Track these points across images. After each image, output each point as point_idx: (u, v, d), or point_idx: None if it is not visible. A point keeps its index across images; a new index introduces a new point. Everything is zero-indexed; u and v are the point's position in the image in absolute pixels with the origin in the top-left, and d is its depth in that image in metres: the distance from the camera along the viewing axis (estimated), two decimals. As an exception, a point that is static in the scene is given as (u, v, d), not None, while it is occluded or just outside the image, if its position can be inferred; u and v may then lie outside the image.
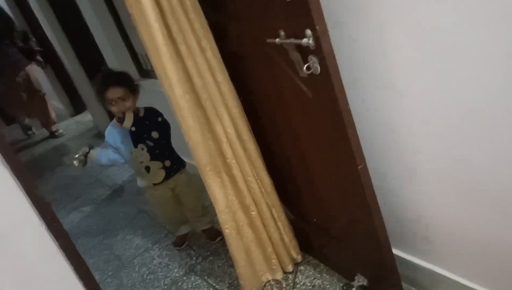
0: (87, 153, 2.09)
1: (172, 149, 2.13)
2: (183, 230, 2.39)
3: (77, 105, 5.20)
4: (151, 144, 2.06)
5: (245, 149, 1.72)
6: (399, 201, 1.53)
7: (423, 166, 1.37)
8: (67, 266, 1.47)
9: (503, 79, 1.04)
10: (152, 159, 2.09)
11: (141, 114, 2.07)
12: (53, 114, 4.82)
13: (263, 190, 1.80)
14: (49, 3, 3.78)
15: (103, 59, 3.37)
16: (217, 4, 1.52)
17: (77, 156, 2.09)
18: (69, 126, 5.02)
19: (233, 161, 1.71)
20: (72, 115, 5.28)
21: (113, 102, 1.98)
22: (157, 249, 2.44)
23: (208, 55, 1.55)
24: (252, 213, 1.81)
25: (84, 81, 4.11)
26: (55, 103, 5.51)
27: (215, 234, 2.33)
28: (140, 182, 2.21)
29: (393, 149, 1.43)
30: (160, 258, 2.36)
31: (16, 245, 1.35)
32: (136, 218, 2.81)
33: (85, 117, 5.05)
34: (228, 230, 1.78)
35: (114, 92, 1.96)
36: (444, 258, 1.51)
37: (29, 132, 5.12)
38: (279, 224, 1.88)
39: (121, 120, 2.06)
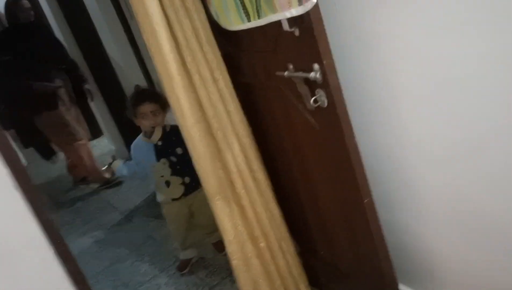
0: (111, 163, 2.27)
1: (193, 167, 2.19)
2: (189, 254, 2.43)
3: (94, 130, 5.29)
4: (174, 159, 2.19)
5: (255, 179, 1.72)
6: (406, 235, 1.51)
7: (430, 200, 1.36)
8: (75, 291, 1.48)
9: (507, 111, 1.04)
10: (172, 174, 2.20)
11: (168, 129, 2.20)
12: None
13: (272, 222, 1.80)
14: (71, 32, 3.91)
15: (121, 86, 3.46)
16: (231, 36, 1.56)
17: (105, 168, 2.36)
18: (85, 151, 5.09)
19: (243, 191, 1.71)
20: (89, 140, 5.36)
21: (144, 116, 2.14)
22: (164, 277, 2.43)
23: (220, 86, 1.59)
24: (261, 244, 1.80)
25: (102, 107, 4.21)
26: (73, 127, 5.62)
27: (223, 247, 2.33)
28: (159, 197, 2.32)
29: (400, 183, 1.43)
30: (166, 286, 2.35)
31: (23, 266, 1.37)
32: (145, 244, 2.81)
33: (101, 142, 5.13)
34: (236, 261, 1.77)
35: (147, 107, 2.13)
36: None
37: (52, 157, 4.87)
38: (288, 256, 1.86)
39: (147, 135, 2.21)
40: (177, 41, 1.49)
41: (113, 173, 2.30)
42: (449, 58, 1.09)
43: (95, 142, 5.26)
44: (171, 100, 1.56)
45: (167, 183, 2.23)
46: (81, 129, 3.88)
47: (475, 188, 1.21)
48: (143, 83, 3.22)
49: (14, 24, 3.44)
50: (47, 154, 4.85)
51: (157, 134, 2.19)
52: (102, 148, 4.97)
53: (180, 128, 1.61)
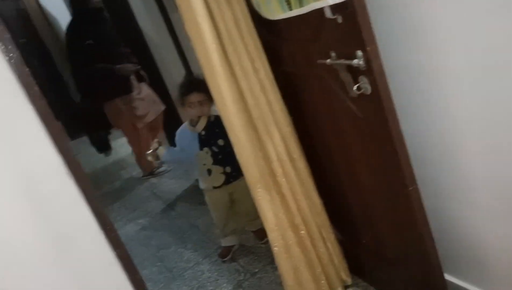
0: (156, 148, 2.31)
1: (235, 157, 2.23)
2: (230, 241, 2.48)
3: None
4: (215, 149, 2.24)
5: (295, 168, 1.74)
6: (453, 224, 1.48)
7: (480, 189, 1.33)
8: (123, 275, 1.54)
9: None
10: (214, 163, 2.26)
11: (212, 120, 2.26)
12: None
13: (312, 210, 1.80)
14: (114, 25, 4.01)
15: (162, 77, 3.53)
16: (271, 26, 1.57)
17: (149, 152, 2.32)
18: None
19: (283, 179, 1.73)
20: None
21: (191, 106, 2.20)
22: (207, 264, 2.49)
23: (261, 75, 1.60)
24: (301, 232, 1.82)
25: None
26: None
27: (263, 235, 2.37)
28: (202, 184, 2.39)
29: (447, 170, 1.40)
30: (209, 273, 2.40)
31: (76, 249, 1.44)
32: (188, 232, 2.89)
33: (143, 133, 5.26)
34: (277, 248, 1.79)
35: (195, 97, 2.18)
36: (498, 286, 1.44)
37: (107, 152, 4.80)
38: (329, 244, 1.87)
39: (193, 124, 2.27)
40: (218, 32, 1.51)
41: (157, 158, 2.33)
42: (499, 41, 1.06)
43: (137, 132, 5.40)
44: (213, 90, 1.59)
45: (209, 172, 2.28)
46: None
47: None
48: (182, 74, 3.28)
49: (83, 10, 3.49)
50: (103, 146, 4.90)
51: (202, 124, 2.25)
52: (144, 138, 5.11)
53: (222, 118, 1.64)
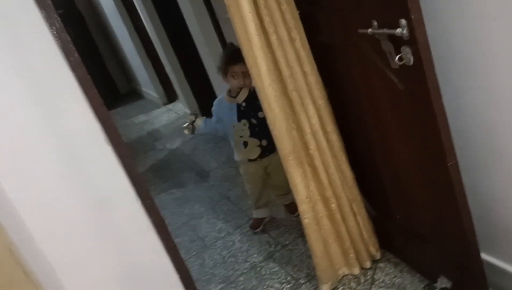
0: (193, 121, 2.30)
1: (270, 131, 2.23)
2: (262, 213, 2.50)
3: (169, 95, 5.50)
4: (254, 121, 2.24)
5: (328, 140, 1.72)
6: (491, 202, 1.44)
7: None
8: (157, 241, 1.58)
9: None
10: (251, 135, 2.26)
11: (253, 92, 2.21)
12: None
13: (344, 183, 1.79)
14: (150, -3, 4.02)
15: (197, 52, 3.53)
16: (309, -5, 1.53)
17: (185, 125, 2.32)
18: (162, 114, 5.33)
19: (316, 152, 1.72)
20: (165, 104, 5.59)
21: (235, 76, 2.18)
22: (238, 234, 2.52)
23: (297, 46, 1.57)
24: (332, 205, 1.81)
25: (178, 73, 4.34)
26: (150, 91, 5.88)
27: (295, 209, 2.37)
28: (237, 156, 2.40)
29: (488, 148, 1.35)
30: (240, 243, 2.44)
31: (114, 214, 1.49)
32: (220, 203, 2.93)
33: (176, 106, 5.32)
34: (307, 220, 1.80)
35: (239, 67, 2.14)
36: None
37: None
38: (359, 218, 1.86)
39: (232, 95, 2.26)
40: (255, 1, 1.48)
41: (192, 131, 2.32)
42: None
43: (170, 106, 5.48)
44: (248, 60, 1.58)
45: (245, 144, 2.28)
46: None
47: None
48: (218, 48, 3.26)
49: None
50: None
51: (243, 95, 2.22)
52: (177, 111, 5.17)
53: (256, 88, 1.63)
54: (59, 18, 1.35)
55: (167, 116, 5.19)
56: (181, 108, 5.08)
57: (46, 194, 1.39)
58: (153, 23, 4.14)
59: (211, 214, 2.84)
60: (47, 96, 1.35)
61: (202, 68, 3.64)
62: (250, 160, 2.32)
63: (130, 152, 4.31)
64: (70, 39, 1.37)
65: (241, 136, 2.27)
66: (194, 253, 2.51)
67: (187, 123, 2.31)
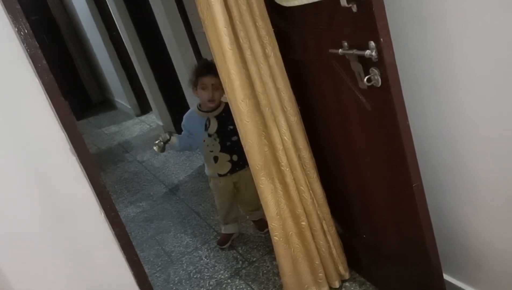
0: (168, 140, 2.23)
1: (241, 146, 2.21)
2: (230, 229, 2.48)
3: (143, 106, 5.44)
4: (224, 136, 2.22)
5: (299, 157, 1.72)
6: (455, 224, 1.46)
7: (483, 190, 1.31)
8: (120, 254, 1.55)
9: None
10: (221, 150, 2.25)
11: (223, 107, 2.23)
12: None
13: (314, 201, 1.79)
14: (127, 8, 4.00)
15: (172, 65, 3.51)
16: (284, 12, 1.55)
17: (157, 142, 2.25)
18: (134, 125, 5.26)
19: (287, 168, 1.72)
20: (137, 115, 5.53)
21: (205, 88, 2.17)
22: (205, 250, 2.49)
23: (271, 62, 1.58)
24: (302, 223, 1.81)
25: (152, 84, 4.30)
26: (123, 102, 5.81)
27: (264, 225, 2.38)
28: (207, 170, 2.38)
29: (452, 170, 1.38)
30: (207, 259, 2.41)
31: (76, 226, 1.45)
32: (188, 217, 2.89)
33: (149, 118, 5.27)
34: (277, 237, 1.79)
35: (210, 79, 2.15)
36: (497, 289, 1.43)
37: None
38: (329, 237, 1.86)
39: (202, 109, 2.25)
40: (231, 16, 1.49)
41: (163, 149, 2.25)
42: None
43: (143, 117, 5.42)
44: (222, 74, 1.57)
45: (215, 159, 2.26)
46: None
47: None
48: (193, 62, 3.26)
49: None
50: None
51: (217, 112, 2.23)
52: (150, 123, 5.11)
53: (229, 102, 1.62)
54: (27, 24, 1.32)
55: (139, 128, 5.13)
56: (154, 120, 5.02)
57: (6, 203, 1.34)
58: (128, 33, 4.11)
59: (179, 228, 2.79)
60: (11, 102, 1.31)
61: (176, 81, 3.63)
62: (220, 175, 2.31)
63: (98, 163, 4.25)
64: (38, 45, 1.34)
65: (211, 151, 2.26)
66: (159, 268, 2.45)
67: (159, 141, 2.25)
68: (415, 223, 1.39)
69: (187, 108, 3.69)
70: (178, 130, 4.33)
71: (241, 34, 1.52)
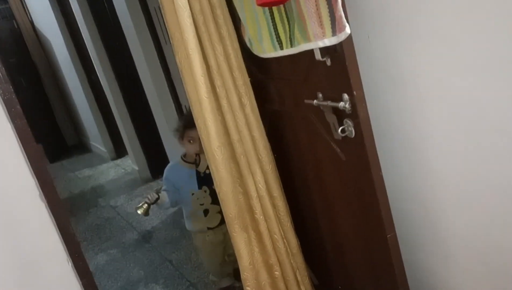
0: (157, 199, 2.02)
1: None
2: (227, 282, 2.35)
3: (118, 150, 5.39)
4: (214, 187, 2.07)
5: (274, 206, 1.72)
6: (428, 276, 1.46)
7: (457, 245, 1.32)
8: (88, 306, 1.48)
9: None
10: (212, 202, 2.12)
11: None
12: None
13: (288, 250, 1.77)
14: (106, 53, 4.04)
15: (150, 110, 3.52)
16: (261, 64, 1.59)
17: (141, 204, 2.03)
18: (109, 169, 5.18)
19: (261, 217, 1.70)
20: (113, 159, 5.45)
21: (192, 141, 2.06)
22: (177, 301, 2.40)
23: (247, 111, 1.60)
24: (276, 273, 1.77)
25: (129, 129, 4.28)
26: (98, 145, 5.74)
27: None
28: (191, 226, 2.21)
29: (425, 224, 1.40)
30: (179, 311, 2.32)
31: (41, 276, 1.39)
32: (161, 266, 2.79)
33: (125, 162, 5.20)
34: (249, 288, 1.74)
35: (197, 132, 1.97)
36: None
37: None
38: (302, 288, 1.82)
39: (187, 160, 2.13)
40: (208, 66, 1.52)
41: (147, 212, 2.01)
42: (480, 98, 1.08)
43: (119, 161, 5.35)
44: (198, 122, 1.58)
45: (205, 212, 2.15)
46: None
47: (504, 231, 1.17)
48: (172, 108, 3.28)
49: None
50: None
51: (205, 163, 2.06)
52: (125, 167, 5.04)
53: (205, 150, 1.62)
54: (3, 69, 1.32)
55: (114, 171, 5.04)
56: (130, 164, 4.96)
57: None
58: (107, 78, 4.13)
59: (150, 278, 2.69)
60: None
61: (154, 126, 3.63)
62: (209, 228, 2.17)
63: (69, 208, 4.12)
64: (12, 90, 1.33)
65: (201, 204, 2.13)
66: (128, 321, 2.35)
67: (143, 203, 2.02)
68: (389, 275, 1.38)
69: (164, 153, 3.68)
70: (154, 175, 4.31)
71: (217, 83, 1.54)
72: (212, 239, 2.20)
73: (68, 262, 1.43)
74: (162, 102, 3.29)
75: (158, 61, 3.14)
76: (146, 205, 2.01)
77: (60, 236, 1.41)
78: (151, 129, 3.78)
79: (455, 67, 1.10)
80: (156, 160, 4.24)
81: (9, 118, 1.30)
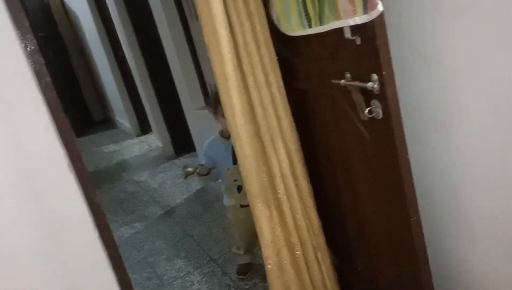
0: (207, 173, 2.08)
1: None
2: (248, 259, 2.37)
3: (143, 127, 5.46)
4: None
5: (297, 185, 1.72)
6: (452, 260, 1.45)
7: (482, 226, 1.30)
8: (111, 275, 1.52)
9: None
10: None
11: None
12: None
13: (310, 230, 1.78)
14: (133, 30, 4.06)
15: (175, 87, 3.54)
16: (288, 42, 1.57)
17: (190, 170, 2.10)
18: (133, 145, 5.27)
19: (284, 196, 1.71)
20: (138, 135, 5.54)
21: (224, 116, 2.02)
22: (198, 275, 2.45)
23: (273, 89, 1.59)
24: (297, 252, 1.78)
25: (154, 105, 4.33)
26: (123, 121, 5.83)
27: None
28: (227, 201, 2.26)
29: (450, 205, 1.38)
30: (199, 284, 2.37)
31: (69, 244, 1.42)
32: (182, 241, 2.85)
33: (149, 138, 5.28)
34: (270, 266, 1.76)
35: None
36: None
37: None
38: (323, 268, 1.83)
39: (224, 135, 2.16)
40: (236, 43, 1.51)
41: (186, 177, 2.09)
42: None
43: (143, 137, 5.43)
44: (224, 99, 1.58)
45: (239, 188, 2.17)
46: None
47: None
48: (196, 85, 3.29)
49: None
50: None
51: None
52: (150, 143, 5.12)
53: (229, 127, 1.63)
54: (35, 40, 1.34)
55: (138, 148, 5.13)
56: (154, 141, 5.03)
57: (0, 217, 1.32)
58: (134, 54, 4.16)
59: (172, 251, 2.76)
60: (12, 116, 1.31)
61: (178, 103, 3.65)
62: (242, 206, 2.19)
63: (95, 181, 4.23)
64: (43, 61, 1.35)
65: (235, 180, 2.15)
66: (150, 291, 2.42)
67: (193, 170, 2.10)
68: (411, 258, 1.37)
69: (187, 131, 3.71)
70: (177, 152, 4.36)
71: (245, 60, 1.53)
72: (244, 217, 2.21)
73: (95, 232, 1.46)
74: (187, 80, 3.30)
75: (184, 39, 3.14)
76: (193, 173, 2.07)
77: (88, 207, 1.44)
78: (176, 107, 3.81)
79: (491, 45, 1.06)
80: (179, 138, 4.30)
81: (40, 89, 1.32)
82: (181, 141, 4.27)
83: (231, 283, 2.32)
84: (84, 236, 1.46)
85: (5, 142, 1.30)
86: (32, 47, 1.32)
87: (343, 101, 1.40)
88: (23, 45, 1.30)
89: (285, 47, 1.61)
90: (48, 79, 1.36)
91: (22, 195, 1.35)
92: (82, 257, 1.48)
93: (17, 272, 1.37)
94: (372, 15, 1.09)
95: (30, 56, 1.32)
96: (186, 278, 2.44)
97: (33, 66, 1.32)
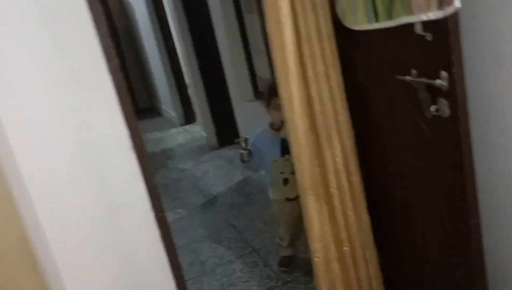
0: (249, 152, 2.11)
1: None
2: (291, 251, 2.38)
3: (188, 116, 5.56)
4: None
5: (349, 181, 1.71)
6: (511, 267, 1.40)
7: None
8: (164, 256, 1.57)
9: None
10: (293, 172, 2.04)
11: None
12: None
13: (359, 228, 1.76)
14: (186, 20, 4.13)
15: (225, 79, 3.59)
16: (351, 35, 1.56)
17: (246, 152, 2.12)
18: (178, 134, 5.37)
19: (336, 191, 1.70)
20: (182, 124, 5.64)
21: (278, 108, 2.02)
22: (239, 263, 2.48)
23: (332, 83, 1.59)
24: (345, 248, 1.77)
25: (200, 96, 4.39)
26: (169, 110, 5.95)
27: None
28: (272, 194, 2.27)
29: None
30: (241, 273, 2.40)
31: (126, 222, 1.48)
32: (225, 230, 2.90)
33: (193, 128, 5.37)
34: (317, 259, 1.76)
35: None
36: None
37: None
38: (370, 266, 1.82)
39: (274, 127, 2.17)
40: (299, 34, 1.51)
41: (246, 158, 2.12)
42: None
43: (187, 127, 5.53)
44: (282, 90, 1.60)
45: (285, 181, 2.17)
46: None
47: None
48: (246, 78, 3.32)
49: None
50: None
51: None
52: (194, 133, 5.20)
53: (286, 119, 1.64)
54: (106, 22, 1.39)
55: (182, 137, 5.23)
56: (198, 130, 5.11)
57: (63, 192, 1.39)
58: (185, 45, 4.24)
59: (214, 239, 2.80)
60: (80, 96, 1.37)
61: (225, 95, 3.69)
62: (288, 199, 2.20)
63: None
64: (112, 44, 1.40)
65: (281, 172, 2.16)
66: (193, 275, 2.46)
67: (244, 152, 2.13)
68: (466, 263, 1.34)
69: (233, 123, 3.75)
70: (221, 143, 4.41)
71: (306, 52, 1.54)
72: (289, 211, 2.22)
73: (151, 213, 1.51)
74: (237, 72, 3.33)
75: (238, 32, 3.17)
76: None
77: (146, 187, 1.49)
78: (223, 99, 3.86)
79: None
80: (224, 129, 4.35)
81: (109, 71, 1.38)
82: (225, 132, 4.32)
83: (273, 274, 2.33)
84: (141, 215, 1.51)
85: (72, 120, 1.36)
86: (104, 30, 1.38)
87: (405, 97, 1.38)
88: (96, 27, 1.35)
89: (347, 41, 1.59)
90: (116, 61, 1.42)
91: (87, 171, 1.41)
92: (137, 236, 1.53)
93: (77, 243, 1.43)
94: (447, 11, 1.07)
95: (102, 38, 1.37)
96: (228, 266, 2.48)
97: (104, 48, 1.38)
